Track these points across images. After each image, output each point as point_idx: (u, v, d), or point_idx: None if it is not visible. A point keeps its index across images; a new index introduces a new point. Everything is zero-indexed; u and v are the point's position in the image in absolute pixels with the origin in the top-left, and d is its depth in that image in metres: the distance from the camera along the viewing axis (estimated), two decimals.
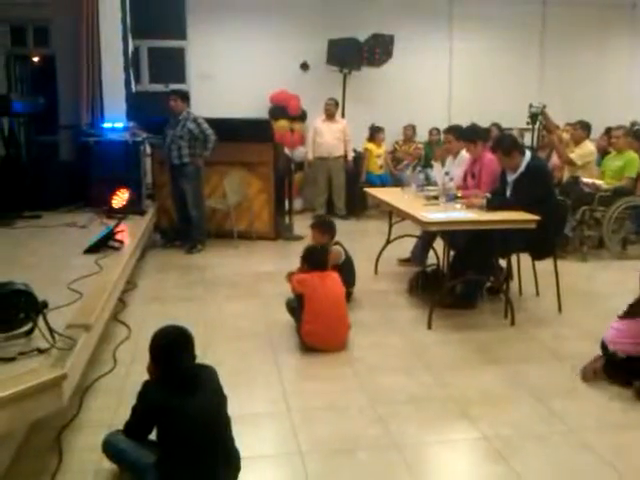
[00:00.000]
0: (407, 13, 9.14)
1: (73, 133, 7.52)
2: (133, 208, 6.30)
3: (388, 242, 5.79)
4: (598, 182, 6.40)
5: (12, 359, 2.44)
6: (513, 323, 4.38)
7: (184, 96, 6.52)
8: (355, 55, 8.75)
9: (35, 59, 8.46)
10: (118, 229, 5.08)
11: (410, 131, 9.24)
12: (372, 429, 3.00)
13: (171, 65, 9.05)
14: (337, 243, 4.72)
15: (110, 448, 2.51)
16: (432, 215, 4.36)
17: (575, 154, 6.67)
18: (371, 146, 8.95)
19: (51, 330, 2.63)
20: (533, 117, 7.08)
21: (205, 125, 6.37)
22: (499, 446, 2.81)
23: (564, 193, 6.11)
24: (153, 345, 2.46)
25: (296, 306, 4.04)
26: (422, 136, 9.28)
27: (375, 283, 5.46)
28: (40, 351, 2.53)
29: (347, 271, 4.58)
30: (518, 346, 4.04)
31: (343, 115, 8.90)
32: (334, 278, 4.06)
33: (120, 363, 3.68)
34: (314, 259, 4.07)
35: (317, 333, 3.86)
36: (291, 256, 4.44)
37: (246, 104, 8.50)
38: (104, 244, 4.72)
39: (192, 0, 8.81)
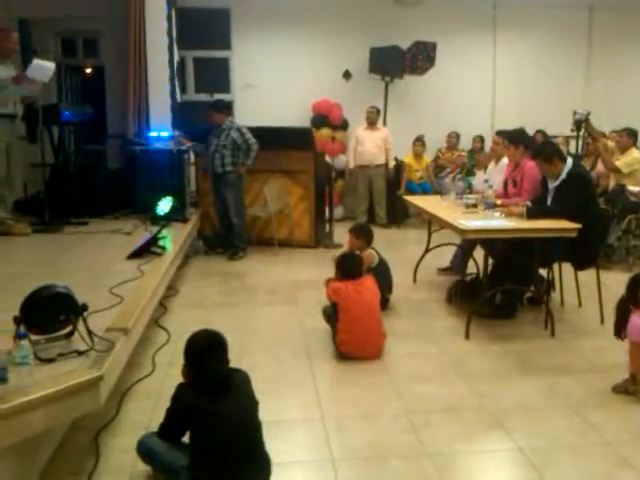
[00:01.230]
0: (450, 20, 9.09)
1: (120, 142, 7.74)
2: (176, 215, 6.42)
3: (427, 251, 5.76)
4: None
5: (52, 360, 2.52)
6: (553, 334, 4.30)
7: (222, 107, 6.64)
8: (397, 63, 8.75)
9: (85, 70, 8.74)
10: (161, 236, 5.19)
11: (454, 139, 9.17)
12: (405, 437, 2.99)
13: (216, 75, 9.22)
14: (372, 249, 4.71)
15: (144, 449, 2.56)
16: (470, 223, 4.32)
17: (621, 162, 6.51)
18: (411, 161, 8.90)
19: (90, 333, 2.71)
20: (577, 124, 6.94)
21: (248, 135, 6.48)
22: (533, 458, 2.76)
23: (610, 202, 5.98)
24: (187, 348, 2.51)
25: (331, 314, 4.05)
26: (465, 144, 9.21)
27: (413, 292, 5.44)
28: (79, 353, 2.60)
29: (381, 276, 4.57)
30: (557, 357, 3.96)
31: (385, 123, 8.90)
32: (369, 286, 4.05)
33: (159, 367, 3.76)
34: (347, 267, 4.07)
35: (352, 342, 3.87)
36: (330, 264, 4.46)
37: (289, 113, 8.59)
38: (147, 250, 4.82)
39: (236, 11, 8.96)
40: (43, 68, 5.45)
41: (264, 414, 2.58)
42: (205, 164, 6.89)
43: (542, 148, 4.72)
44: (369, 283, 4.08)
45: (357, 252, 4.53)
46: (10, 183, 5.68)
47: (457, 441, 2.96)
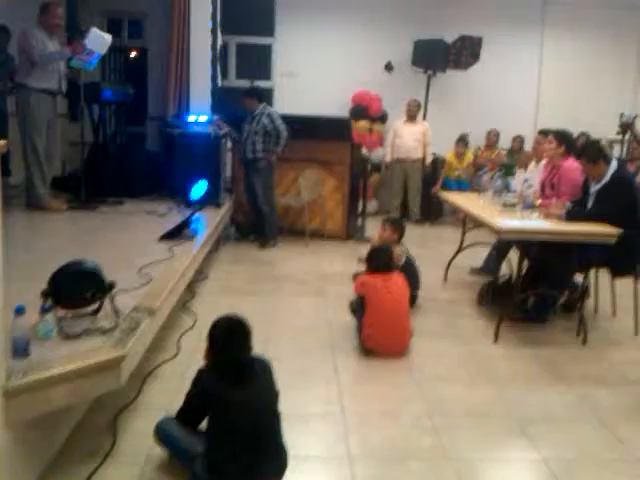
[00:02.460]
0: (497, 14, 8.91)
1: (159, 124, 7.77)
2: (211, 200, 6.42)
3: (460, 249, 5.65)
4: None
5: (76, 336, 2.52)
6: (585, 342, 4.18)
7: (254, 93, 6.61)
8: (441, 57, 8.61)
9: (129, 52, 8.79)
10: (194, 219, 5.20)
11: (493, 137, 8.99)
12: (426, 439, 2.93)
13: (258, 62, 9.22)
14: (402, 245, 4.65)
15: (161, 433, 2.56)
16: (507, 222, 4.22)
17: None
18: (452, 159, 8.75)
19: (116, 311, 2.71)
20: (624, 127, 6.75)
21: (279, 121, 6.42)
22: (557, 470, 2.68)
23: None
24: (211, 332, 2.49)
25: (357, 308, 4.01)
26: (505, 143, 9.03)
27: (443, 291, 5.35)
28: (104, 331, 2.60)
29: (409, 273, 4.48)
30: (588, 366, 3.85)
31: (424, 117, 8.77)
32: (398, 282, 3.99)
33: (183, 351, 3.76)
34: (378, 260, 4.02)
35: (377, 337, 3.82)
36: (357, 262, 4.43)
37: (328, 103, 8.52)
38: (179, 232, 4.83)
39: None
40: (101, 38, 5.48)
41: (284, 406, 2.54)
42: (238, 151, 6.88)
43: (587, 148, 4.58)
44: (399, 279, 4.02)
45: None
46: (50, 160, 5.73)
47: (479, 447, 2.89)
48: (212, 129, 6.84)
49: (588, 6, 8.99)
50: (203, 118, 7.12)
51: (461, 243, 5.66)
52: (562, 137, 4.93)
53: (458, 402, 3.32)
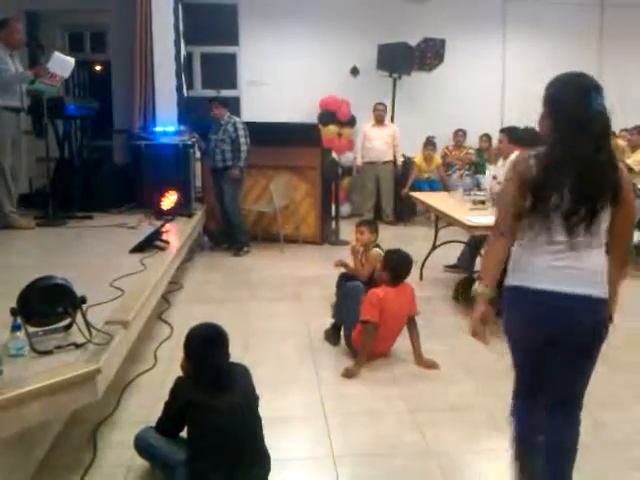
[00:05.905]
0: (459, 16, 9.00)
1: (126, 137, 7.70)
2: (181, 210, 6.38)
3: (434, 247, 5.69)
4: None
5: (49, 352, 2.47)
6: None
7: (224, 102, 6.63)
8: (406, 60, 8.66)
9: (93, 64, 8.71)
10: (164, 230, 5.15)
11: (461, 136, 9.09)
12: (409, 436, 2.93)
13: (223, 71, 9.19)
14: (377, 246, 4.65)
15: (141, 444, 2.52)
16: (477, 219, 4.26)
17: (632, 160, 6.43)
18: (421, 162, 8.80)
19: (88, 325, 2.66)
20: None
21: (241, 132, 6.39)
22: None
23: None
24: (187, 341, 2.48)
25: (346, 315, 3.91)
26: (473, 141, 9.13)
27: (420, 289, 5.32)
28: (77, 346, 2.55)
29: None
30: None
31: (392, 120, 8.83)
32: (409, 293, 3.83)
33: (160, 361, 3.72)
34: (400, 268, 3.77)
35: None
36: (334, 260, 4.44)
37: (296, 110, 8.53)
38: (150, 244, 4.78)
39: (243, 6, 8.93)
40: (64, 62, 5.43)
41: (265, 410, 2.53)
42: (207, 162, 6.88)
43: (524, 134, 4.63)
44: (409, 291, 3.85)
45: (361, 248, 4.43)
46: (16, 177, 5.63)
47: (462, 440, 2.90)
48: (179, 140, 6.81)
49: (546, 3, 9.14)
50: (170, 129, 7.08)
51: (434, 241, 5.69)
52: (508, 131, 5.04)
53: (439, 397, 3.33)
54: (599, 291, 2.05)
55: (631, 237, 2.28)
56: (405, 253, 3.88)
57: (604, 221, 2.04)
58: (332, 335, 4.08)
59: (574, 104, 2.02)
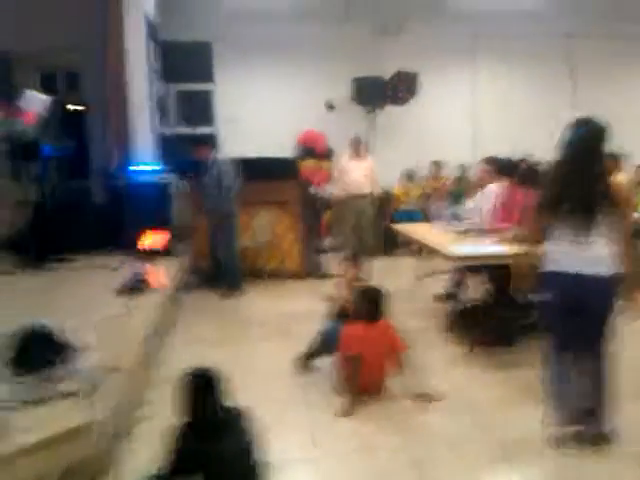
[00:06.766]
0: (431, 49, 9.19)
1: (104, 177, 7.62)
2: (164, 250, 6.29)
3: (419, 279, 5.68)
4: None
5: (39, 402, 2.39)
6: None
7: (211, 142, 6.61)
8: (379, 93, 8.77)
9: (67, 104, 8.64)
10: (148, 271, 5.08)
11: (437, 168, 9.20)
12: (407, 473, 2.89)
13: (199, 108, 9.17)
14: (361, 279, 4.62)
15: None
16: (459, 249, 4.27)
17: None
18: (400, 194, 8.86)
19: (77, 373, 2.59)
20: None
21: (226, 175, 6.24)
22: None
23: None
24: (181, 389, 2.47)
25: (323, 347, 3.93)
26: (452, 172, 9.23)
27: (410, 321, 5.34)
28: (66, 394, 2.47)
29: None
30: None
31: (368, 153, 8.89)
32: (384, 330, 3.77)
33: (154, 407, 3.60)
34: (373, 305, 3.74)
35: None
36: (320, 294, 4.39)
37: (273, 145, 8.48)
38: (134, 286, 4.71)
39: (218, 44, 8.96)
40: (36, 98, 5.40)
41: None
42: (207, 205, 6.51)
43: (527, 174, 4.82)
44: (385, 327, 3.79)
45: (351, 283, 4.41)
46: None
47: (461, 476, 2.86)
48: (159, 178, 6.74)
49: (515, 36, 9.36)
50: (148, 167, 7.03)
51: (419, 273, 5.69)
52: (494, 162, 5.21)
53: (436, 431, 3.29)
54: (604, 271, 2.89)
55: None
56: (377, 290, 3.82)
57: (604, 221, 2.87)
58: (304, 362, 4.10)
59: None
